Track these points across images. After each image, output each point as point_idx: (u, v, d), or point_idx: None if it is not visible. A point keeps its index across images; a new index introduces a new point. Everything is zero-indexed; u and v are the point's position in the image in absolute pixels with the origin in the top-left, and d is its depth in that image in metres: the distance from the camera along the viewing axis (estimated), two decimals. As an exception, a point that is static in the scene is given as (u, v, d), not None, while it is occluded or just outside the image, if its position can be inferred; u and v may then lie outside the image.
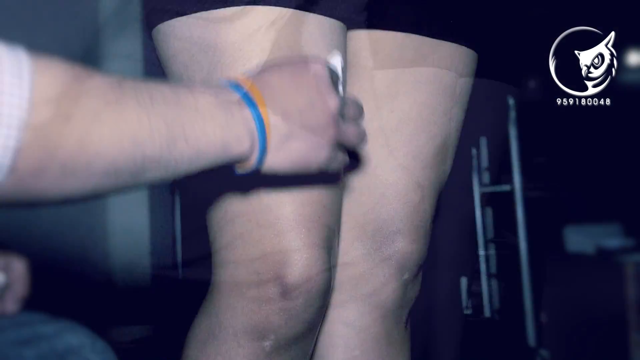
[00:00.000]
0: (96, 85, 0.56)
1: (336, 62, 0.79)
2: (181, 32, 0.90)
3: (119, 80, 0.58)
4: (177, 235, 2.87)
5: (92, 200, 0.63)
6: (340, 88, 0.78)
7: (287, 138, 0.69)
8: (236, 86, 0.68)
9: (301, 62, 0.73)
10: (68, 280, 2.35)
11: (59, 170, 0.54)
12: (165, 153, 0.60)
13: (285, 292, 0.87)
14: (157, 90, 0.61)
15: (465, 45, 1.03)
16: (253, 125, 0.67)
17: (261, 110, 0.67)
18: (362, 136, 0.77)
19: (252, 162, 0.68)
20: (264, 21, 0.87)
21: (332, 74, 0.75)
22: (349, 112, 0.75)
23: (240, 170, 0.70)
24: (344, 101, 0.74)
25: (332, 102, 0.72)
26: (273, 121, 0.68)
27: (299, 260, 0.87)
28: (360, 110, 0.78)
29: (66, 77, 0.55)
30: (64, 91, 0.54)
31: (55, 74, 0.54)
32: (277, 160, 0.70)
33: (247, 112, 0.67)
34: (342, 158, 0.76)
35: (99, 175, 0.57)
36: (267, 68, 0.72)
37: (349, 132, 0.74)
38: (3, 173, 0.51)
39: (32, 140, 0.52)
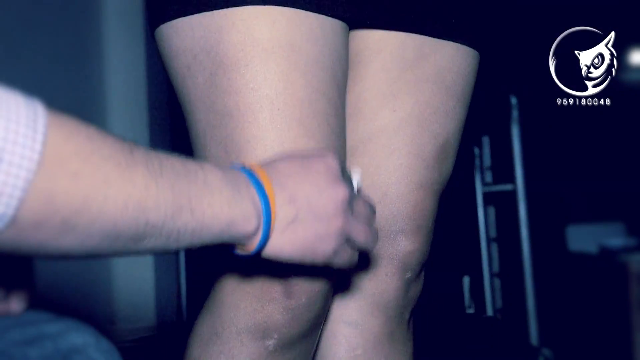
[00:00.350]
0: (108, 147, 0.58)
1: (354, 176, 0.79)
2: (184, 33, 0.91)
3: (131, 146, 0.60)
4: (182, 288, 2.87)
5: (90, 259, 0.64)
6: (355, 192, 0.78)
7: (293, 222, 0.69)
8: (244, 168, 0.69)
9: (313, 153, 0.74)
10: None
11: (60, 225, 0.55)
12: (169, 222, 0.60)
13: (289, 291, 0.88)
14: (168, 159, 0.62)
15: (467, 45, 1.03)
16: (260, 205, 0.67)
17: (267, 191, 0.68)
18: (373, 237, 0.77)
19: (255, 243, 0.68)
20: (266, 21, 0.88)
21: (346, 174, 0.75)
22: (360, 210, 0.75)
23: (241, 251, 0.70)
24: (354, 196, 0.74)
25: (341, 193, 0.71)
26: (279, 203, 0.68)
27: None
28: (372, 211, 0.77)
29: (79, 136, 0.56)
30: (75, 149, 0.55)
31: (69, 132, 0.55)
32: (281, 244, 0.70)
33: (254, 192, 0.67)
34: (350, 255, 0.76)
35: (99, 235, 0.58)
36: (278, 157, 0.73)
37: (359, 229, 0.74)
38: (5, 222, 0.52)
39: (38, 193, 0.53)
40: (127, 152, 0.59)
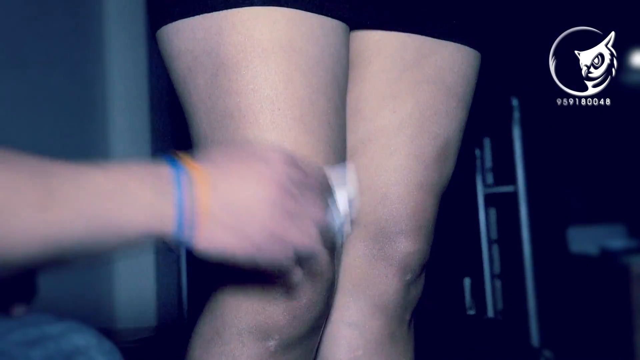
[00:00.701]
0: (18, 179, 0.58)
1: (348, 173, 0.77)
2: (185, 34, 0.91)
3: (47, 169, 0.60)
4: (183, 289, 2.87)
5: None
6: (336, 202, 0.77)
7: (215, 218, 0.69)
8: (176, 164, 0.69)
9: (260, 149, 0.74)
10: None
11: None
12: (85, 241, 0.62)
13: (290, 292, 0.88)
14: (86, 175, 0.63)
15: (468, 45, 1.03)
16: (177, 204, 0.67)
17: (195, 188, 0.68)
18: (313, 240, 0.74)
19: (177, 239, 0.69)
20: (266, 22, 0.88)
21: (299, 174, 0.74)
22: (305, 211, 0.73)
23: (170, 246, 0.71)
24: (299, 195, 0.73)
25: (275, 192, 0.71)
26: (203, 201, 0.68)
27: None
28: (327, 208, 0.76)
29: None
30: None
31: None
32: (204, 239, 0.69)
33: (176, 192, 0.67)
34: (282, 256, 0.73)
35: (7, 267, 0.59)
36: (223, 151, 0.73)
37: (294, 231, 0.72)
38: None
39: None
40: (41, 179, 0.59)
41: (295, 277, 0.86)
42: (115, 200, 0.64)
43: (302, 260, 0.78)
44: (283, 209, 0.72)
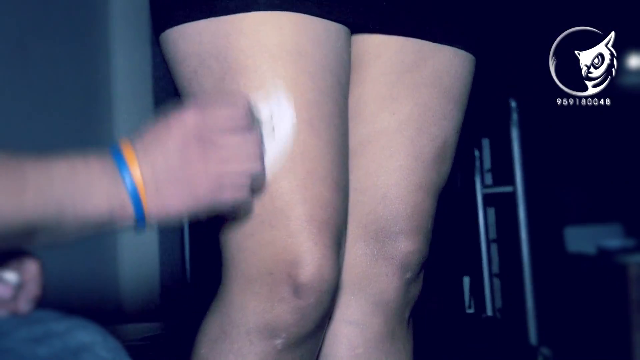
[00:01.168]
0: None
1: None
2: (191, 37, 0.91)
3: (18, 162, 0.68)
4: (186, 252, 2.87)
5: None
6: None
7: (159, 192, 0.75)
8: (115, 148, 0.75)
9: (179, 112, 0.78)
10: (76, 301, 2.34)
11: None
12: (55, 225, 0.69)
13: (298, 291, 0.89)
14: (55, 166, 0.70)
15: (464, 49, 1.04)
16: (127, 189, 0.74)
17: (132, 172, 0.74)
18: (254, 163, 0.80)
19: (134, 218, 0.75)
20: (273, 26, 0.89)
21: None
22: (232, 144, 0.79)
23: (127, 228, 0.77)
24: (218, 134, 0.78)
25: (194, 151, 0.77)
26: (146, 179, 0.75)
27: (311, 260, 0.88)
28: (251, 133, 0.81)
29: None
30: None
31: None
32: (160, 212, 0.76)
33: (121, 175, 0.74)
34: (236, 191, 0.79)
35: None
36: (150, 125, 0.79)
37: (231, 166, 0.78)
38: None
39: None
40: (15, 171, 0.66)
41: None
42: (80, 187, 0.71)
43: (253, 184, 0.83)
44: (208, 154, 0.77)
